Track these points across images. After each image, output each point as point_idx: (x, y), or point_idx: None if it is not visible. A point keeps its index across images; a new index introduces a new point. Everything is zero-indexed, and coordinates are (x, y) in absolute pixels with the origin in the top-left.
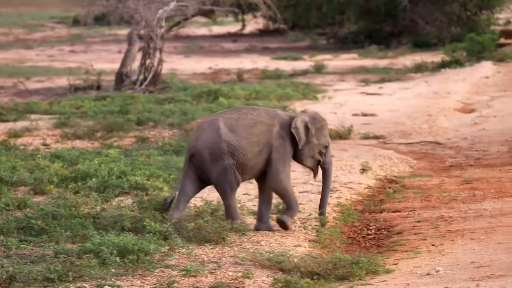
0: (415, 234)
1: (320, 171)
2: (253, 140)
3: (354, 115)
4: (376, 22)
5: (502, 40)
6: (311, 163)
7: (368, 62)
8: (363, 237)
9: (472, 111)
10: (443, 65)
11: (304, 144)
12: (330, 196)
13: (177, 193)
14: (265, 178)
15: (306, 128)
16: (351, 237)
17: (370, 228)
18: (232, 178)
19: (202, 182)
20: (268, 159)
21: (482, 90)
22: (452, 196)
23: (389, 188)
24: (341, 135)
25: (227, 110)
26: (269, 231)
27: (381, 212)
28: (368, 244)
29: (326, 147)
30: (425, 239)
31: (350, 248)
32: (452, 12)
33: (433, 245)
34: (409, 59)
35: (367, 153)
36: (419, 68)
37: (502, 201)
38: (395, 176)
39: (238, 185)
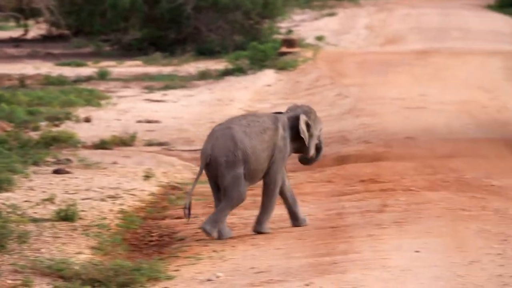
0: (197, 240)
1: None
2: (264, 146)
3: (138, 122)
4: (161, 29)
5: (284, 49)
6: (313, 151)
7: (152, 69)
8: (145, 243)
9: None
10: (226, 73)
11: (309, 141)
12: (113, 203)
13: (191, 199)
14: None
15: (308, 125)
16: (134, 244)
17: (153, 234)
18: (242, 189)
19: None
20: (271, 160)
21: (264, 98)
22: None
23: (172, 194)
24: (125, 142)
25: (233, 118)
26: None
27: (163, 219)
28: (150, 250)
29: (321, 129)
30: (207, 245)
31: (132, 255)
32: (235, 20)
33: (214, 251)
34: (193, 67)
35: (150, 160)
36: (203, 76)
37: (283, 207)
38: (178, 183)
39: (245, 196)
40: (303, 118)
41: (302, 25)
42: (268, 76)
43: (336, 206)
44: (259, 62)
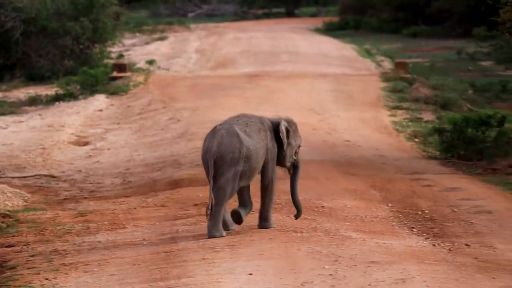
0: (29, 268)
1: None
2: (261, 145)
3: None
4: None
5: (115, 73)
6: (289, 163)
7: None
8: None
9: (86, 144)
10: (57, 98)
11: (286, 146)
12: None
13: (212, 199)
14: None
15: (287, 131)
16: None
17: None
18: (236, 186)
19: None
20: (264, 161)
21: (96, 123)
22: (67, 229)
23: (3, 222)
24: None
25: (230, 118)
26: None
27: None
28: None
29: (299, 146)
30: (39, 273)
31: None
32: (65, 45)
33: (46, 279)
34: (22, 92)
35: None
36: (33, 101)
37: (115, 233)
38: (8, 211)
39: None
40: (284, 123)
41: (133, 49)
42: (99, 101)
43: (170, 230)
44: (90, 87)
